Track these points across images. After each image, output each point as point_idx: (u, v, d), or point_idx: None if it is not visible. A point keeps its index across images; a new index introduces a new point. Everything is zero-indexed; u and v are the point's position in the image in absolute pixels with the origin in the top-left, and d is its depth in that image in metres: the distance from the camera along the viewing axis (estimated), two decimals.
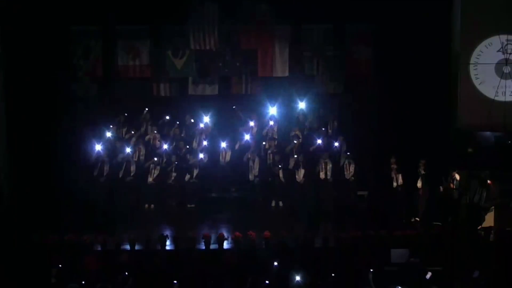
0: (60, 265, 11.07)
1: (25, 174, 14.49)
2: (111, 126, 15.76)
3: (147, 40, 16.20)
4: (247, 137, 15.34)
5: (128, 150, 15.05)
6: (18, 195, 14.15)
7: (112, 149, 15.18)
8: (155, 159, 14.90)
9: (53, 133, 15.20)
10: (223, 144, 15.28)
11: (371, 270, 10.43)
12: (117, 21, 15.91)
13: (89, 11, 15.36)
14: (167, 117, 16.18)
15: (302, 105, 16.21)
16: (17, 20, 14.69)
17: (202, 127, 15.85)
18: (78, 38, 15.97)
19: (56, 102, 15.48)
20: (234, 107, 16.26)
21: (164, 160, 15.00)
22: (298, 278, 10.01)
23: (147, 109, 16.25)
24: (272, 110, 16.00)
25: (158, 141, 15.49)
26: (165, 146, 15.12)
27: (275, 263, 10.87)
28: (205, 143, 15.38)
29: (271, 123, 15.89)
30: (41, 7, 14.90)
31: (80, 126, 15.63)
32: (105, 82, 16.34)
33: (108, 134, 15.52)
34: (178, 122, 16.05)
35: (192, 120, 16.10)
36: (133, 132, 15.88)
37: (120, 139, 15.63)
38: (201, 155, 14.99)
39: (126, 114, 16.22)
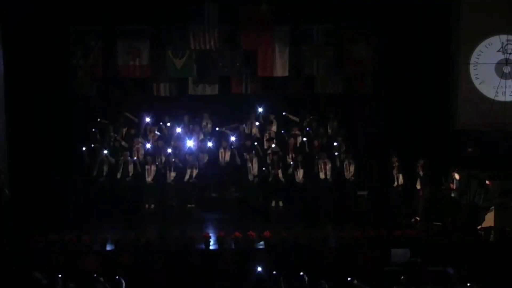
0: (47, 267, 11.04)
1: (25, 174, 14.48)
2: (111, 126, 15.74)
3: (147, 40, 16.17)
4: (232, 138, 15.31)
5: (127, 150, 15.06)
6: (18, 195, 14.14)
7: (112, 149, 15.17)
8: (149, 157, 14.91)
9: (53, 133, 15.19)
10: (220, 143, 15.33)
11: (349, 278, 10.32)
12: (117, 21, 15.89)
13: (89, 11, 15.35)
14: (168, 124, 16.16)
15: (301, 105, 16.23)
16: (17, 20, 14.69)
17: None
18: (78, 38, 15.95)
19: (56, 102, 15.47)
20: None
21: (163, 159, 14.98)
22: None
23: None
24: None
25: (156, 141, 15.47)
26: (145, 146, 15.09)
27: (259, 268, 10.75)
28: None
29: (274, 128, 15.91)
30: (41, 7, 14.89)
31: (80, 126, 15.62)
32: (105, 82, 16.33)
33: (108, 134, 15.50)
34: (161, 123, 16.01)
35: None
36: (132, 132, 15.87)
37: (119, 139, 15.61)
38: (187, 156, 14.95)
39: (125, 114, 16.21)
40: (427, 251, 11.82)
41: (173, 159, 14.79)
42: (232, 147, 15.21)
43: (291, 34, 16.22)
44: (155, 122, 16.12)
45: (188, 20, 15.88)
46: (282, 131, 15.76)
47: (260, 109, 16.14)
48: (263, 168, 14.84)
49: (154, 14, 15.73)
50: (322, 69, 16.35)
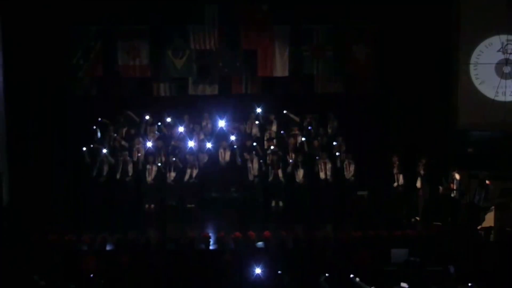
0: (44, 269, 11.03)
1: (24, 173, 14.48)
2: (111, 126, 15.73)
3: (147, 40, 16.16)
4: (232, 137, 15.27)
5: (126, 150, 15.06)
6: (18, 195, 14.15)
7: (112, 149, 15.15)
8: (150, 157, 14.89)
9: (53, 133, 15.20)
10: (223, 144, 15.31)
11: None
12: (117, 21, 15.89)
13: (89, 11, 15.36)
14: (168, 119, 16.10)
15: (301, 105, 16.24)
16: (17, 20, 14.70)
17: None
18: (78, 38, 15.95)
19: (55, 102, 15.47)
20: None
21: (162, 159, 14.97)
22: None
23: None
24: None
25: (156, 140, 15.45)
26: (148, 144, 15.08)
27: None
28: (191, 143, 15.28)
29: (274, 128, 15.91)
30: (41, 7, 14.90)
31: (80, 126, 15.62)
32: (105, 82, 16.32)
33: (108, 134, 15.50)
34: (159, 123, 15.97)
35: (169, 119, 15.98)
36: (132, 132, 15.85)
37: (119, 139, 15.59)
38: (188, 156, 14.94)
39: (128, 113, 16.21)
40: (427, 251, 11.82)
41: (173, 159, 14.78)
42: (235, 146, 15.19)
43: (291, 34, 16.22)
44: (155, 122, 16.09)
45: (188, 20, 15.89)
46: (282, 132, 15.72)
47: (260, 109, 16.12)
48: (263, 168, 14.83)
49: (154, 14, 15.74)
50: (322, 69, 16.35)
